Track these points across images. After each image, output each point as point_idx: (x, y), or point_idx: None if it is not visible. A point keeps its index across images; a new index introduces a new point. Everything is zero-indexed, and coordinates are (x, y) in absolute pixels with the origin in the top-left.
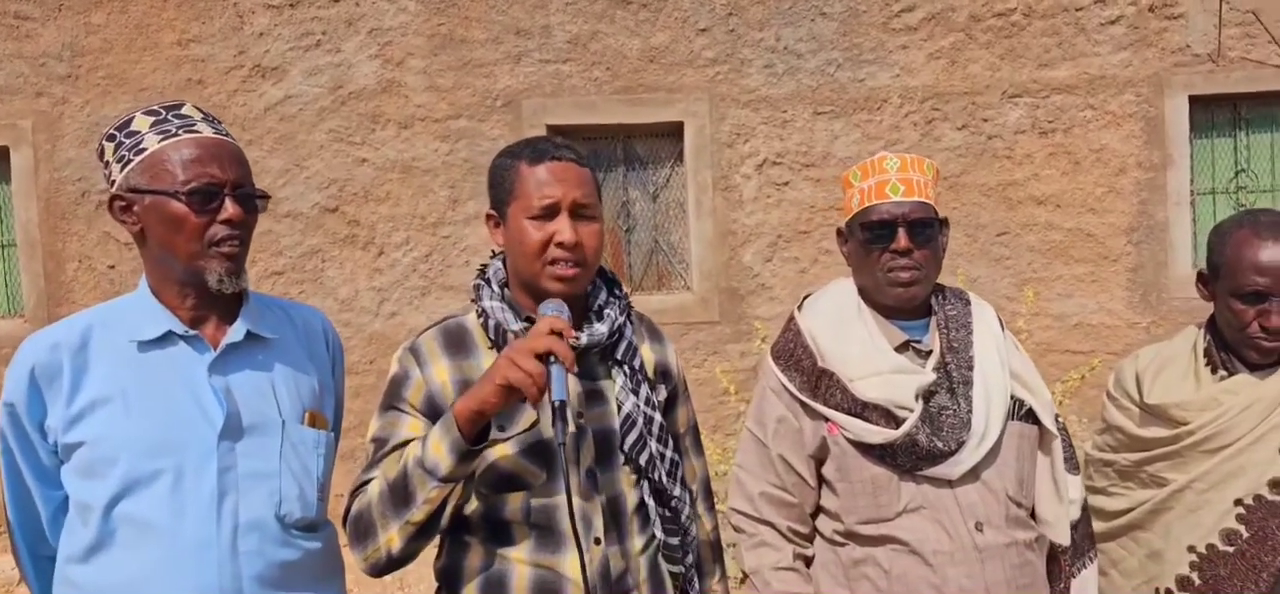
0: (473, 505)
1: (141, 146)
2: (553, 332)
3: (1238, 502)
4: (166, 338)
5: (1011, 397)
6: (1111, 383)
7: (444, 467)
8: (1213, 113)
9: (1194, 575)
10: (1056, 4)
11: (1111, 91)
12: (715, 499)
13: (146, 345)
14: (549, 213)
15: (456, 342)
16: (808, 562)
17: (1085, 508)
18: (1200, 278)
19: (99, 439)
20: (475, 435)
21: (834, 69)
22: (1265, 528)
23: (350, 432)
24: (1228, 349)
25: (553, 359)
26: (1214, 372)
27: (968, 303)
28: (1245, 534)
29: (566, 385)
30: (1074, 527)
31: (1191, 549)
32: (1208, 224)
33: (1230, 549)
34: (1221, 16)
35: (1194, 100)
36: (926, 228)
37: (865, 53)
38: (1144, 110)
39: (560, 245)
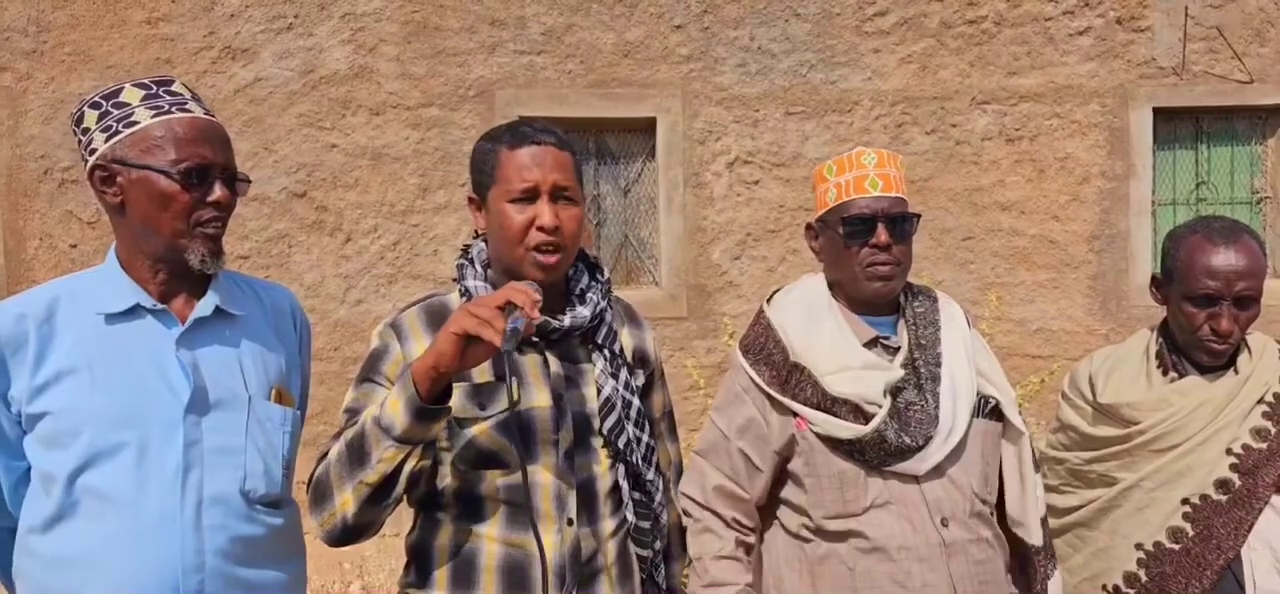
0: (447, 481)
1: (132, 119)
2: (516, 288)
3: (1185, 501)
4: (134, 311)
5: (978, 394)
6: (1066, 383)
7: (399, 425)
8: (1175, 125)
9: (1141, 572)
10: (1026, 13)
11: (1078, 101)
12: None
13: (113, 318)
14: (529, 196)
15: (439, 320)
16: (748, 549)
17: (1047, 512)
18: (1154, 281)
19: (63, 410)
20: (433, 396)
21: (806, 70)
22: (1210, 526)
23: (313, 418)
24: (1178, 352)
25: (512, 308)
26: (1165, 373)
27: (935, 301)
28: (1191, 532)
29: (523, 325)
30: (1042, 525)
31: (1139, 547)
32: None
33: (1176, 547)
34: (1186, 31)
35: (1158, 112)
36: (904, 223)
37: (838, 55)
38: (1109, 120)
39: (541, 229)
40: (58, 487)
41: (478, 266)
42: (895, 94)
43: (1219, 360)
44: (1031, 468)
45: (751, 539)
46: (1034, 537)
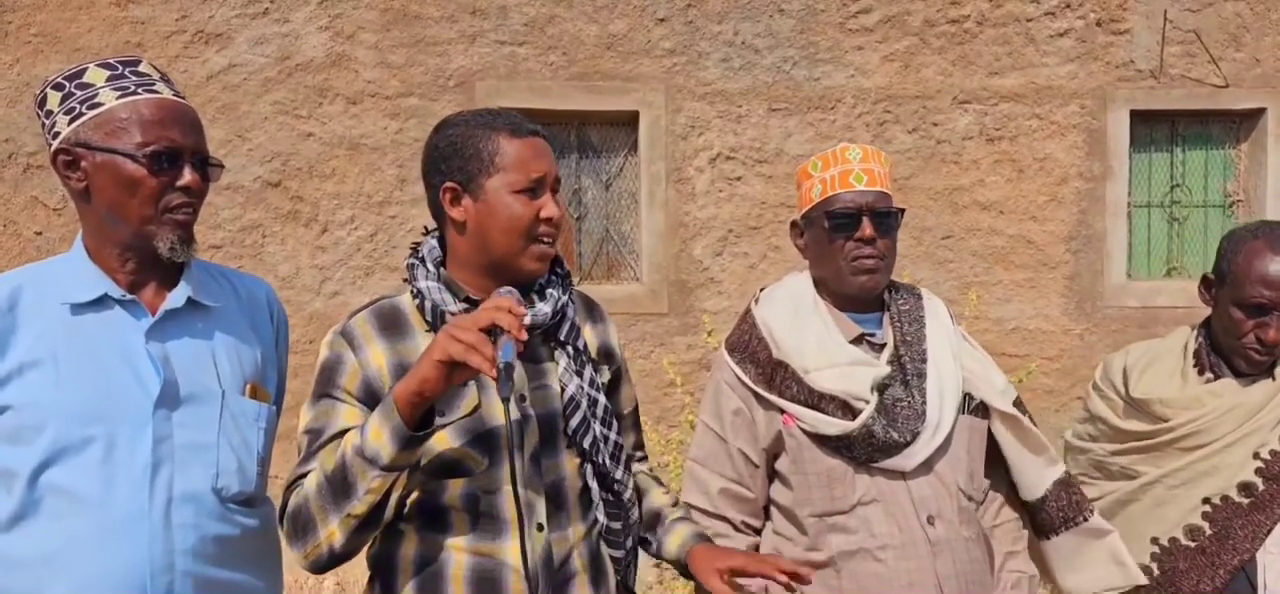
0: (409, 492)
1: (96, 100)
2: (500, 309)
3: (1206, 500)
4: (102, 301)
5: (962, 391)
6: (1099, 374)
7: (386, 455)
8: (1151, 127)
9: (1153, 565)
10: (1008, 13)
11: (1057, 102)
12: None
13: (80, 308)
14: (536, 188)
15: (391, 323)
16: (756, 550)
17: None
18: (1204, 281)
19: (26, 404)
20: (418, 421)
21: (790, 66)
22: (1229, 527)
23: (288, 412)
24: (1218, 353)
25: (498, 331)
26: (1201, 373)
27: (919, 297)
28: (1209, 531)
29: (514, 354)
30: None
31: (1155, 541)
32: (1143, 235)
33: (1192, 545)
34: (1165, 35)
35: (1135, 114)
36: (888, 217)
37: (821, 52)
38: (1087, 122)
39: (547, 221)
40: (20, 484)
41: (429, 266)
42: (878, 92)
43: (1259, 368)
44: (1038, 435)
45: (758, 541)
46: (1056, 470)
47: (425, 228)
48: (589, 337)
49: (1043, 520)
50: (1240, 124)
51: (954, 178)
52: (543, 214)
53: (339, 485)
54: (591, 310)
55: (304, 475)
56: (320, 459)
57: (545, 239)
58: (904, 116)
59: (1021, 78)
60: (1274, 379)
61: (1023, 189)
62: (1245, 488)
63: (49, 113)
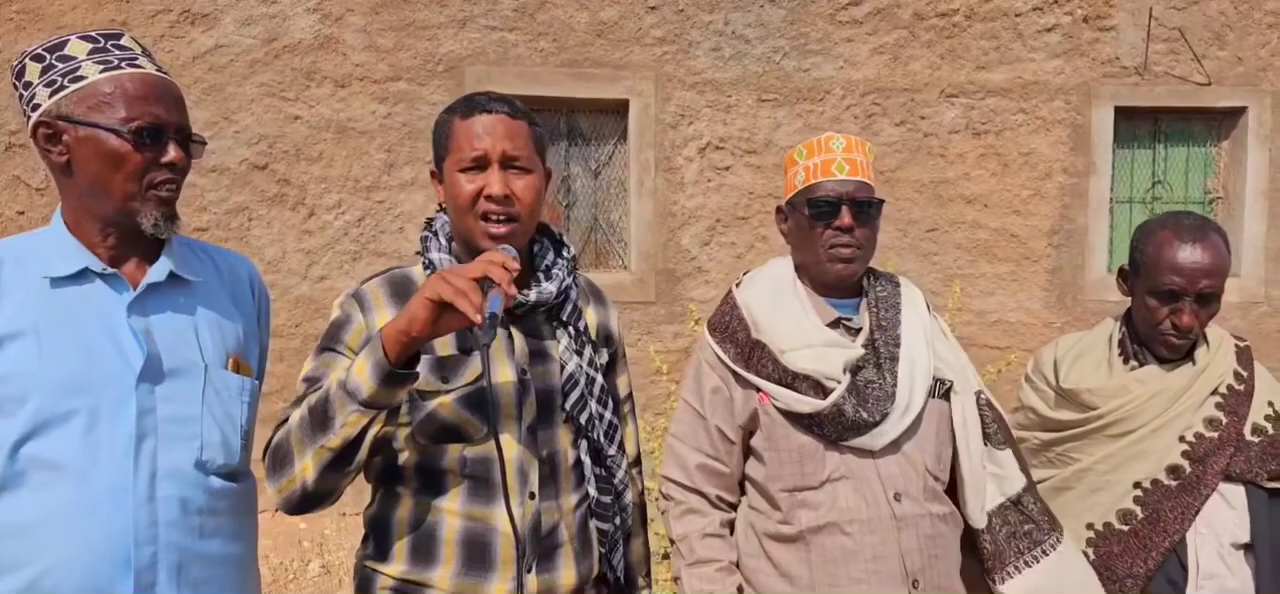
0: (407, 455)
1: (78, 74)
2: (493, 263)
3: (1137, 484)
4: (82, 275)
5: (934, 377)
6: (1030, 366)
7: (365, 389)
8: (1135, 124)
9: (1089, 551)
10: (996, 8)
11: (1043, 97)
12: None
13: (60, 282)
14: (479, 164)
15: (402, 292)
16: (730, 527)
17: (1028, 492)
18: (1121, 273)
19: (7, 376)
20: (402, 360)
21: (780, 57)
22: (1159, 510)
23: (271, 395)
24: (1140, 342)
25: (489, 284)
26: (1126, 362)
27: (897, 285)
28: (1140, 515)
29: (500, 307)
30: (1002, 512)
31: (1089, 526)
32: (1125, 231)
33: (1125, 528)
34: (1150, 32)
35: (1119, 111)
36: (868, 207)
37: (811, 43)
38: (1072, 118)
39: (489, 198)
40: (1, 455)
41: (442, 239)
42: (866, 84)
43: (1178, 353)
44: (977, 449)
45: (733, 516)
46: (975, 520)
47: (439, 205)
48: (591, 318)
49: (987, 549)
50: (1222, 122)
51: (940, 171)
52: (486, 192)
53: (319, 417)
54: (596, 295)
55: (291, 416)
56: (308, 399)
57: (492, 217)
58: (892, 109)
59: (1008, 72)
60: (1194, 364)
61: (1007, 183)
62: (1173, 470)
63: (28, 84)
